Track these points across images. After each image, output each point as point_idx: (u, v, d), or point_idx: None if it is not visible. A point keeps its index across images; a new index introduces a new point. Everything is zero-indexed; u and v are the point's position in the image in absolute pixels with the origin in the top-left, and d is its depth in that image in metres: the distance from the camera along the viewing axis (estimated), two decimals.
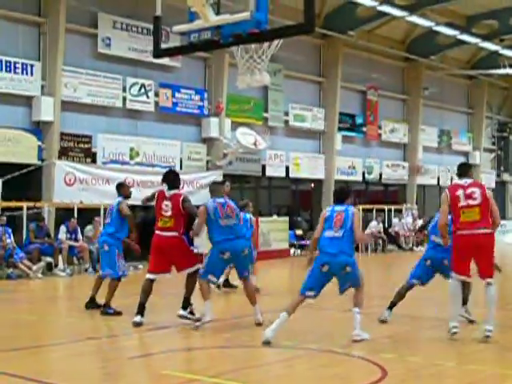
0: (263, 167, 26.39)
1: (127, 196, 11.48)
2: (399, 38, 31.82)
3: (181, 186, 10.69)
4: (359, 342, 8.54)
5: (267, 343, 8.37)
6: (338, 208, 8.96)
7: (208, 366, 7.75)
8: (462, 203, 8.77)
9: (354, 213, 8.93)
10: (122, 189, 11.55)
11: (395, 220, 29.31)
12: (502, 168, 39.49)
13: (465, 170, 9.23)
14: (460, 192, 8.84)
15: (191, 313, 9.86)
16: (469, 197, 8.76)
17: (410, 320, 10.63)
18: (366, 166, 30.78)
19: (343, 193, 9.36)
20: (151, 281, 9.94)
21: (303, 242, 24.78)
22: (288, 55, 25.88)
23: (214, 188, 10.31)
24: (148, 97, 22.74)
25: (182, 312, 9.80)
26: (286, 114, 27.22)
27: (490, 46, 32.07)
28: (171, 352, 8.40)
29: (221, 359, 8.17)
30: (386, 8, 25.73)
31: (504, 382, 7.07)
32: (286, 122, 27.28)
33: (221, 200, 9.90)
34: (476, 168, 36.75)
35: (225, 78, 24.28)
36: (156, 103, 23.01)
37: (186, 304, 9.89)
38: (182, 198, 9.93)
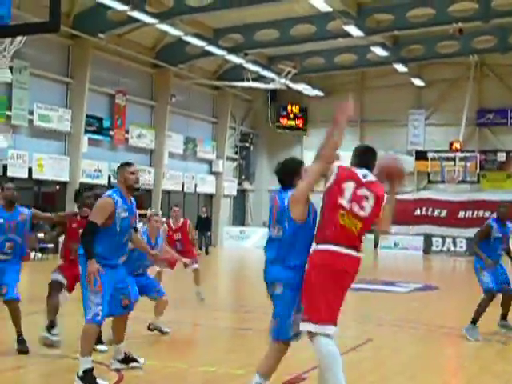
0: (4, 167, 25.31)
1: None
2: (149, 45, 32.16)
3: None
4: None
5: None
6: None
7: None
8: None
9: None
10: None
11: (139, 224, 29.43)
12: (243, 177, 41.26)
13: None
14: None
15: None
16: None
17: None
18: (112, 169, 30.65)
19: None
20: None
21: (45, 245, 24.07)
22: (35, 53, 25.17)
23: None
24: None
25: None
26: (31, 113, 26.34)
27: (235, 59, 33.39)
28: None
29: None
30: (136, 14, 25.76)
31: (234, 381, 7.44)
32: (31, 121, 26.39)
33: None
34: (219, 176, 38.13)
35: None
36: None
37: None
38: None
